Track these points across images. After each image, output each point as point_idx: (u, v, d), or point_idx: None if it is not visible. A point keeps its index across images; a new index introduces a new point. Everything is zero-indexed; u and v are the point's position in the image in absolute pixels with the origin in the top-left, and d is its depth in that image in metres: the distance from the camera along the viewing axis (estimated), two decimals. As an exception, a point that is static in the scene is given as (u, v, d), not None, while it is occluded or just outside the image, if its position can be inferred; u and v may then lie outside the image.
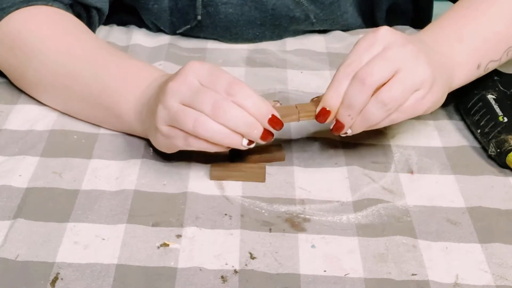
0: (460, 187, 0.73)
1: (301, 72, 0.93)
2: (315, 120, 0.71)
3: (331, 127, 0.71)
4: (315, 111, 0.71)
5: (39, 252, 0.63)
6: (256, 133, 0.68)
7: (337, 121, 0.70)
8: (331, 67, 0.94)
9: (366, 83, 0.67)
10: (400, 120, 0.71)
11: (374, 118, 0.69)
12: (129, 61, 0.80)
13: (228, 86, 0.67)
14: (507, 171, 0.75)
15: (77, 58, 0.80)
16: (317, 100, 0.72)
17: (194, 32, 0.98)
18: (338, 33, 1.02)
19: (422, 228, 0.67)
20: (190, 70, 0.69)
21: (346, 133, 0.71)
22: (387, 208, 0.69)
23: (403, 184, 0.73)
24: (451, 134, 0.81)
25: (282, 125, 0.69)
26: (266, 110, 0.68)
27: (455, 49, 0.77)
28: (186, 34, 0.99)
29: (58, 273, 0.61)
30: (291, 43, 0.99)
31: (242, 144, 0.68)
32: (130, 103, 0.76)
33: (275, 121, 0.68)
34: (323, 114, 0.70)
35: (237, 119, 0.67)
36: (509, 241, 0.66)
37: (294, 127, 0.81)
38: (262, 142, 0.69)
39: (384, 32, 0.70)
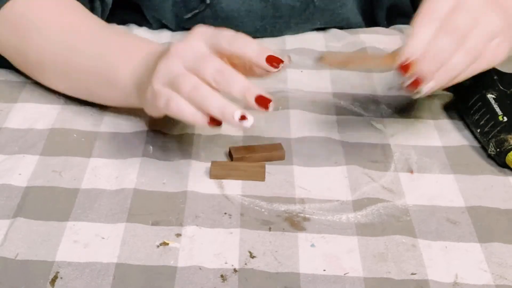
0: (460, 186, 0.73)
1: (301, 71, 0.93)
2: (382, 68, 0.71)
3: (408, 83, 0.67)
4: (395, 61, 0.67)
5: (39, 251, 0.63)
6: (251, 93, 0.65)
7: (418, 78, 0.67)
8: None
9: (458, 35, 0.67)
10: (481, 69, 0.70)
11: (460, 67, 0.68)
12: (129, 35, 0.83)
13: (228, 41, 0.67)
14: (507, 170, 0.75)
15: (78, 33, 0.81)
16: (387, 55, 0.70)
17: (195, 23, 0.98)
18: (337, 32, 1.02)
19: (422, 228, 0.67)
20: (196, 34, 0.69)
21: (419, 91, 0.68)
22: (387, 208, 0.69)
23: (402, 183, 0.73)
24: (451, 134, 0.81)
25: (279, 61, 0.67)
26: (262, 51, 0.67)
27: None
28: (187, 28, 0.99)
29: (57, 272, 0.61)
30: (291, 42, 0.99)
31: (235, 116, 0.64)
32: (128, 70, 0.76)
33: (274, 58, 0.67)
34: (407, 65, 0.66)
35: (238, 87, 0.65)
36: (508, 240, 0.66)
37: (294, 126, 0.81)
38: (256, 107, 0.65)
39: None
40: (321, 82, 0.90)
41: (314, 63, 0.69)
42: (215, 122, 0.66)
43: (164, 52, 0.71)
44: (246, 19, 0.97)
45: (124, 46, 0.80)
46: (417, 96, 0.69)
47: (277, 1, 0.96)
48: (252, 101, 0.65)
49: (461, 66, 0.69)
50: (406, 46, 0.67)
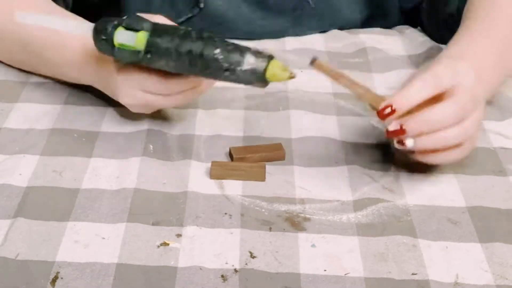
0: (461, 186, 0.73)
1: (301, 71, 0.93)
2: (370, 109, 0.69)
3: (389, 130, 0.67)
4: (380, 103, 0.66)
5: (39, 251, 0.63)
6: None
7: (401, 128, 0.66)
8: (331, 66, 0.94)
9: (460, 115, 0.66)
10: (466, 152, 0.71)
11: (451, 140, 0.67)
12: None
13: None
14: (507, 170, 0.75)
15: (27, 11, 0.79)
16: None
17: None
18: (337, 32, 1.02)
19: (423, 228, 0.67)
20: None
21: (404, 144, 0.67)
22: (387, 208, 0.69)
23: (403, 183, 0.73)
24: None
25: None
26: None
27: (481, 63, 0.76)
28: None
29: (58, 272, 0.61)
30: (291, 43, 0.99)
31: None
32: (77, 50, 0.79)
33: None
34: (387, 112, 0.66)
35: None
36: (509, 240, 0.66)
37: (294, 126, 0.81)
38: None
39: (464, 66, 0.69)
40: (321, 82, 0.90)
41: (309, 64, 0.69)
42: None
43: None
44: (239, 23, 0.97)
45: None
46: (402, 147, 0.68)
47: (266, 5, 0.97)
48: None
49: (450, 139, 0.68)
50: (397, 95, 0.66)
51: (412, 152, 0.69)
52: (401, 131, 0.66)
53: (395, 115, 0.65)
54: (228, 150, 0.76)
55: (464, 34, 0.80)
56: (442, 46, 0.96)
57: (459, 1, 0.92)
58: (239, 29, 0.98)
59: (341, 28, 1.03)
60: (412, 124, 0.66)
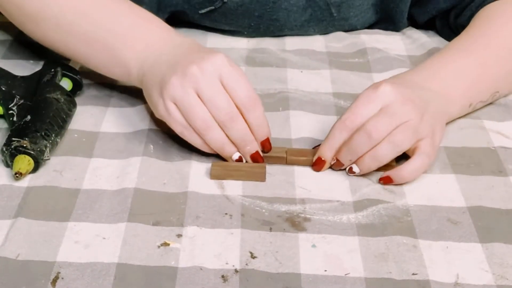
0: (461, 186, 0.73)
1: (301, 72, 0.93)
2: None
3: (332, 164, 0.75)
4: (311, 159, 0.75)
5: (40, 252, 0.63)
6: (248, 150, 0.74)
7: (338, 161, 0.74)
8: (331, 66, 0.94)
9: (373, 137, 0.71)
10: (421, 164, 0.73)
11: (386, 157, 0.72)
12: (141, 9, 0.82)
13: (246, 100, 0.73)
14: (507, 171, 0.75)
15: None
16: (313, 150, 0.76)
17: (208, 19, 0.99)
18: (337, 33, 1.02)
19: (423, 228, 0.67)
20: (215, 63, 0.73)
21: (354, 172, 0.74)
22: (387, 208, 0.69)
23: (403, 185, 0.73)
24: (451, 134, 0.80)
25: (269, 149, 0.76)
26: (266, 132, 0.75)
27: (448, 88, 0.79)
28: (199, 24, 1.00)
29: (58, 273, 0.61)
30: (291, 43, 0.99)
31: (233, 157, 0.74)
32: (133, 52, 0.78)
33: (267, 145, 0.75)
34: (318, 163, 0.74)
35: (241, 134, 0.73)
36: (509, 240, 0.66)
37: (294, 126, 0.81)
38: (249, 160, 0.75)
39: (384, 90, 0.73)
40: (321, 82, 0.90)
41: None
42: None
43: (179, 60, 0.74)
44: (264, 17, 0.97)
45: (135, 22, 0.80)
46: (353, 175, 0.74)
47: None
48: (247, 156, 0.74)
49: (387, 156, 0.72)
50: (321, 147, 0.74)
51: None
52: (340, 164, 0.74)
53: (327, 164, 0.74)
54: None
55: (442, 54, 0.83)
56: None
57: (471, 10, 0.92)
58: (263, 23, 0.98)
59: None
60: (342, 158, 0.73)
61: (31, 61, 0.93)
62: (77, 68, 0.87)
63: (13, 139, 0.72)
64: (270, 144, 0.75)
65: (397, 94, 0.73)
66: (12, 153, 0.71)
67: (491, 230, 0.67)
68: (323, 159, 0.74)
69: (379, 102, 0.72)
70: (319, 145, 0.75)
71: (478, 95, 0.82)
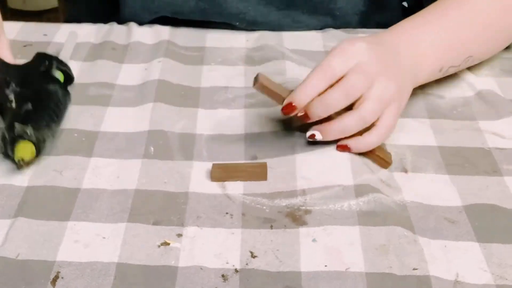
0: (456, 186, 0.73)
1: (299, 66, 0.93)
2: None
3: (298, 115, 0.74)
4: (283, 100, 0.73)
5: (40, 251, 0.63)
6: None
7: (306, 114, 0.73)
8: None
9: (350, 94, 0.72)
10: (376, 141, 0.75)
11: (350, 129, 0.74)
12: None
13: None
14: (502, 171, 0.75)
15: None
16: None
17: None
18: (336, 32, 1.02)
19: (421, 225, 0.67)
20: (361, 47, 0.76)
21: (313, 136, 0.74)
22: (387, 199, 0.70)
23: (398, 183, 0.73)
24: (446, 134, 0.81)
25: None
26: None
27: (420, 51, 0.79)
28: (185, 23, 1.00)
29: (58, 272, 0.61)
30: (289, 43, 0.99)
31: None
32: None
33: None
34: (289, 108, 0.73)
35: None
36: (507, 240, 0.66)
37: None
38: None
39: (360, 46, 0.74)
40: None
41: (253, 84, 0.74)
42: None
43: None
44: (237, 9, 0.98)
45: None
46: (312, 139, 0.75)
47: None
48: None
49: (352, 128, 0.74)
50: (295, 91, 0.73)
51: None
52: (306, 117, 0.73)
53: (296, 110, 0.73)
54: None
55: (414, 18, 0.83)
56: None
57: None
58: (240, 18, 0.99)
59: (336, 19, 1.03)
60: (313, 112, 0.73)
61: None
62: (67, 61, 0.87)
63: (16, 124, 0.71)
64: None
65: (372, 53, 0.74)
66: (14, 139, 0.71)
67: (488, 230, 0.67)
68: (294, 104, 0.73)
69: (355, 58, 0.73)
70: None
71: (450, 59, 0.83)
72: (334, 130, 0.74)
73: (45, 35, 0.99)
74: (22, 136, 0.71)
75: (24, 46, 0.96)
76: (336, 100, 0.72)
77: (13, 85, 0.78)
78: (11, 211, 0.68)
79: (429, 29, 0.81)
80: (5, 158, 0.73)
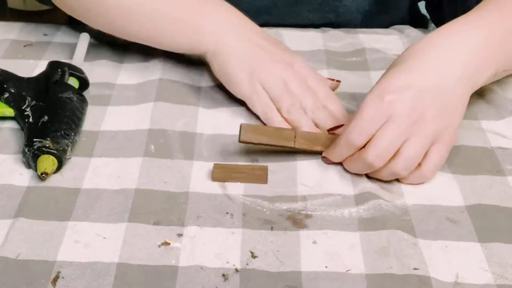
0: (459, 186, 0.73)
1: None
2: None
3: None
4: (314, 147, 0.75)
5: (40, 251, 0.63)
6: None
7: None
8: (329, 66, 0.93)
9: (376, 165, 0.71)
10: (431, 172, 0.73)
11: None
12: None
13: (328, 96, 0.81)
14: (505, 171, 0.75)
15: None
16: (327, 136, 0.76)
17: None
18: (336, 32, 1.02)
19: (422, 227, 0.67)
20: (302, 66, 0.82)
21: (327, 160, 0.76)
22: (387, 205, 0.70)
23: (400, 185, 0.73)
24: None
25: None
26: (343, 121, 0.78)
27: (482, 54, 0.75)
28: None
29: (59, 272, 0.61)
30: (289, 42, 0.99)
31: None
32: (207, 19, 0.83)
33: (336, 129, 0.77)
34: (325, 159, 0.75)
35: (327, 121, 0.79)
36: (508, 240, 0.66)
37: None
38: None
39: (391, 103, 0.70)
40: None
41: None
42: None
43: (267, 47, 0.82)
44: None
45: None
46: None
47: None
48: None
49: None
50: (329, 151, 0.74)
51: None
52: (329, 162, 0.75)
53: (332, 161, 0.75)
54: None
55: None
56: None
57: None
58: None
59: (339, 16, 1.03)
60: (350, 167, 0.74)
61: (31, 61, 0.93)
62: (81, 67, 0.87)
63: (35, 139, 0.72)
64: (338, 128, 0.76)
65: (404, 105, 0.70)
66: (35, 154, 0.71)
67: (490, 229, 0.67)
68: (330, 160, 0.75)
69: (385, 115, 0.70)
70: (336, 127, 0.77)
71: (504, 62, 0.78)
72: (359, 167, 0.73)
73: (45, 35, 0.99)
74: (42, 150, 0.71)
75: (24, 46, 0.96)
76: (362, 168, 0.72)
77: (28, 99, 0.79)
78: (12, 211, 0.68)
79: (482, 33, 0.76)
80: (9, 167, 0.74)
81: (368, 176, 0.73)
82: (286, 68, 0.81)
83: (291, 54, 0.85)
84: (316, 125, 0.79)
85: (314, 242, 0.65)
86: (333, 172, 0.74)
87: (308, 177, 0.73)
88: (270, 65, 0.81)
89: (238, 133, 0.73)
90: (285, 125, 0.79)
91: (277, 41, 0.87)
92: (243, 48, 0.82)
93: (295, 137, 0.74)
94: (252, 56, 0.81)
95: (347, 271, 0.62)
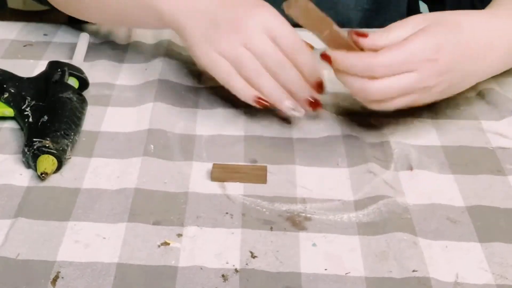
0: (459, 186, 0.73)
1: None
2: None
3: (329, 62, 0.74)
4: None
5: (40, 251, 0.63)
6: (303, 96, 0.76)
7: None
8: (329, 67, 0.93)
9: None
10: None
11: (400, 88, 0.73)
12: None
13: (292, 44, 0.76)
14: (506, 170, 0.75)
15: None
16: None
17: None
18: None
19: (422, 227, 0.67)
20: (261, 17, 0.77)
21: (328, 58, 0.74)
22: (388, 204, 0.69)
23: (402, 182, 0.73)
24: (449, 133, 0.81)
25: (322, 92, 0.77)
26: (318, 75, 0.77)
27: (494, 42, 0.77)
28: None
29: (59, 272, 0.61)
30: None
31: (284, 104, 0.76)
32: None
33: (319, 89, 0.77)
34: (324, 58, 0.74)
35: (293, 79, 0.76)
36: (509, 240, 0.66)
37: (295, 126, 0.81)
38: (308, 109, 0.77)
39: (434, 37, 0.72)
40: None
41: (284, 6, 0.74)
42: (262, 102, 0.77)
43: (224, 12, 0.78)
44: None
45: None
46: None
47: None
48: (305, 105, 0.76)
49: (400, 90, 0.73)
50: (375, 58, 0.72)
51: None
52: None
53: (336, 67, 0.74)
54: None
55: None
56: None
57: None
58: None
59: (338, 14, 1.02)
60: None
61: (31, 60, 0.93)
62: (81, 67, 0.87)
63: (34, 139, 0.72)
64: (322, 87, 0.75)
65: (448, 40, 0.72)
66: (34, 154, 0.71)
67: (490, 229, 0.67)
68: (329, 62, 0.74)
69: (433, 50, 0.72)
70: (362, 34, 0.74)
71: None
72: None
73: (45, 35, 1.00)
74: (41, 150, 0.71)
75: (24, 46, 0.97)
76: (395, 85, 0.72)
77: (28, 99, 0.79)
78: (11, 211, 0.68)
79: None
80: (9, 167, 0.73)
81: (369, 175, 0.73)
82: (242, 30, 0.76)
83: (251, 8, 0.79)
84: (283, 86, 0.77)
85: (314, 245, 0.65)
86: (332, 177, 0.73)
87: (308, 181, 0.73)
88: (224, 33, 0.77)
89: (237, 133, 0.73)
90: (248, 89, 0.77)
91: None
92: (197, 23, 0.79)
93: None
94: (206, 28, 0.78)
95: (346, 273, 0.62)
